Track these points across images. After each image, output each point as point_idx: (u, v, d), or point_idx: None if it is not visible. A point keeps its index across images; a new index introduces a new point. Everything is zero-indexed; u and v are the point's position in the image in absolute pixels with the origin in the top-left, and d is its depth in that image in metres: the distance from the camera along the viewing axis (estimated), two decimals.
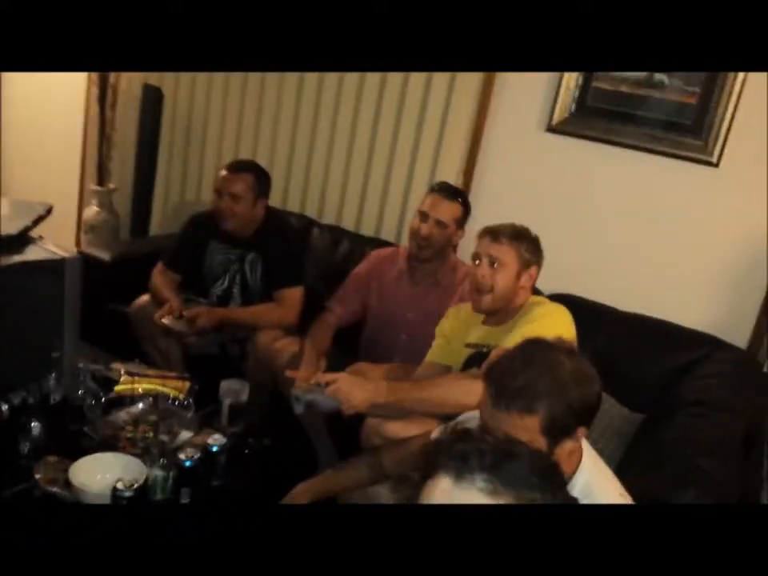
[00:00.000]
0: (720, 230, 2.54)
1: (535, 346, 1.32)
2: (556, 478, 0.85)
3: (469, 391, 1.78)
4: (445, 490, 0.81)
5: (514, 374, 1.23)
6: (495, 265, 2.02)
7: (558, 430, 1.23)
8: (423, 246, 2.48)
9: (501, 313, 2.10)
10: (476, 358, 2.09)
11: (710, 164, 2.50)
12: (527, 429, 1.21)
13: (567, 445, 1.27)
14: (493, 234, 2.04)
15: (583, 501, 1.15)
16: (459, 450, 0.82)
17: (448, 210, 2.46)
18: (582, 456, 1.35)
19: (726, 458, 1.71)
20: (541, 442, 1.22)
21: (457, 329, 2.23)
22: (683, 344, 2.43)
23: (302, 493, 1.73)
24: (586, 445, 1.39)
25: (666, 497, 1.51)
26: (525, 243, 2.04)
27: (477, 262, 2.06)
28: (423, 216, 2.47)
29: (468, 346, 2.15)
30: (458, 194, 2.52)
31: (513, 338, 1.90)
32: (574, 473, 1.31)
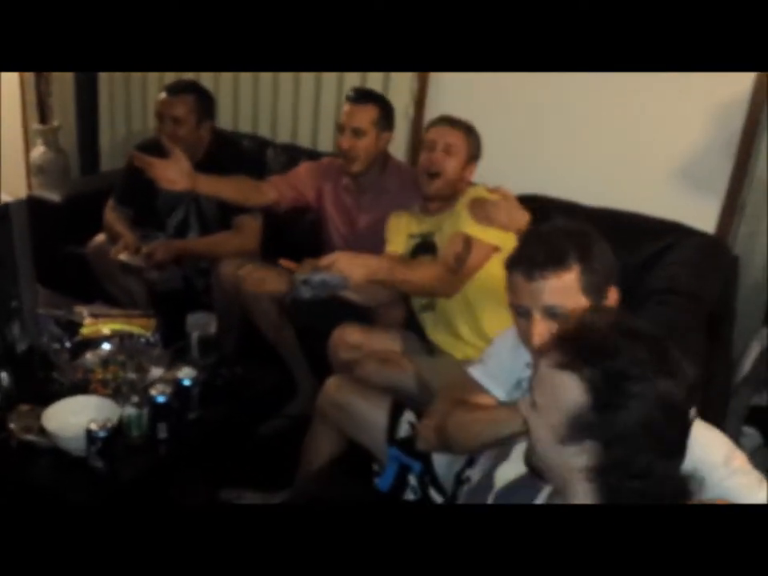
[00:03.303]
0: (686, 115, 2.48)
1: (537, 225, 1.40)
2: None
3: (442, 279, 1.99)
4: None
5: (538, 246, 1.28)
6: (449, 151, 2.10)
7: (594, 286, 1.27)
8: (349, 158, 2.38)
9: (441, 201, 2.19)
10: (422, 247, 2.20)
11: None
12: (568, 288, 1.25)
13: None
14: (451, 120, 2.15)
15: None
16: None
17: (362, 115, 2.36)
18: None
19: (688, 343, 1.72)
20: (583, 302, 1.26)
21: (402, 224, 2.28)
22: (651, 234, 2.41)
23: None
24: None
25: None
26: (473, 137, 2.16)
27: (432, 146, 2.12)
28: (340, 128, 2.40)
29: (412, 236, 2.24)
30: (370, 97, 2.43)
31: (461, 222, 2.04)
32: None
